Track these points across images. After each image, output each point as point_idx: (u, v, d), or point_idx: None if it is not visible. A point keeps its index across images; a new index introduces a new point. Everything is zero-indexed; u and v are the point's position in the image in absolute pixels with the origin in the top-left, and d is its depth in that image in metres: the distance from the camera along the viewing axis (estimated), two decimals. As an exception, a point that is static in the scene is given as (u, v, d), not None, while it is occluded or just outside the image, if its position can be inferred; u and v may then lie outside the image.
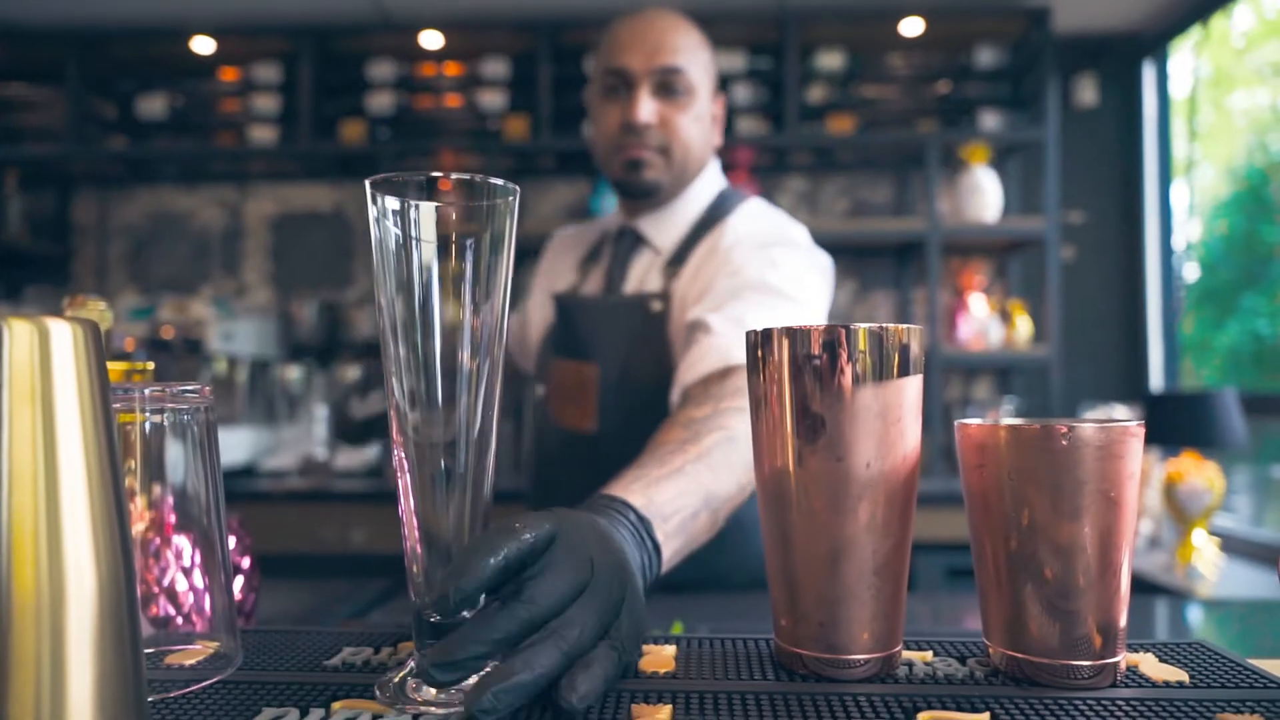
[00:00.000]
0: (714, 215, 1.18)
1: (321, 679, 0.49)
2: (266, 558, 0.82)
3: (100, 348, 0.39)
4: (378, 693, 0.45)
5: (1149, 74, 3.09)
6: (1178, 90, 3.10)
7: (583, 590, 0.45)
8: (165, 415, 0.48)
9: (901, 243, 2.91)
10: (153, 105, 3.07)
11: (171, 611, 0.62)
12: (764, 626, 1.03)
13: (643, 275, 1.17)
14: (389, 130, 3.03)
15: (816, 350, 0.49)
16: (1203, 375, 3.16)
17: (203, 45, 3.01)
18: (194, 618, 0.62)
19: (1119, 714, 0.44)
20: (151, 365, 0.77)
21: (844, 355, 0.48)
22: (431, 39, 2.95)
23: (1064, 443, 0.46)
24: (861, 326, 0.49)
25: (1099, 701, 0.46)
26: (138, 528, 0.59)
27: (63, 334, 0.38)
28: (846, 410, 0.48)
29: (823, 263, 1.13)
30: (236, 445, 2.79)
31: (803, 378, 0.49)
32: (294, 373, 3.00)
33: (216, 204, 3.29)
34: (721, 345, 0.93)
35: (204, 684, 0.48)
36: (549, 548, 0.45)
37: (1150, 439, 2.28)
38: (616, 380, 1.10)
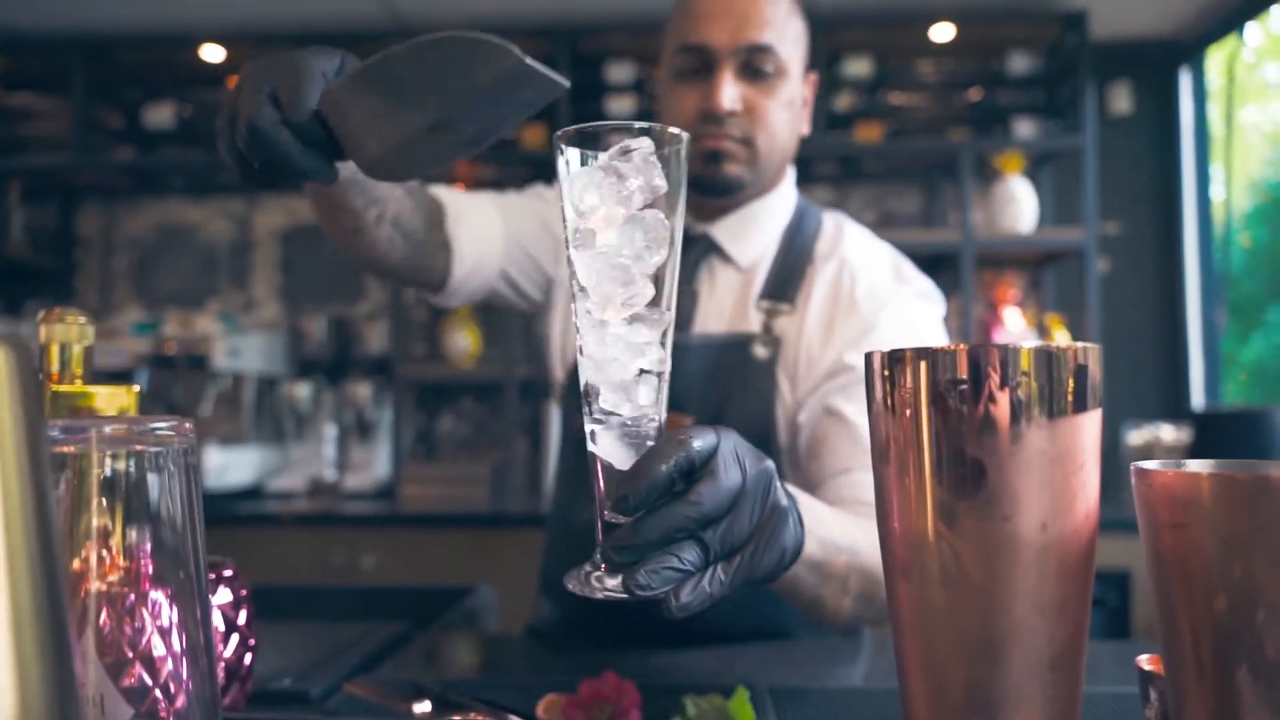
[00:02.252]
0: (805, 235, 1.03)
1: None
2: (271, 589, 0.72)
3: (32, 376, 0.29)
4: (568, 582, 0.52)
5: (1185, 81, 2.98)
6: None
7: (737, 499, 0.50)
8: (129, 460, 0.37)
9: (932, 254, 2.79)
10: (160, 115, 2.99)
11: (149, 681, 0.52)
12: (827, 678, 0.92)
13: (727, 302, 1.02)
14: (402, 140, 2.94)
15: (966, 377, 0.38)
16: (1228, 390, 3.06)
17: (212, 53, 2.93)
18: (172, 687, 0.52)
19: None
20: (137, 389, 0.67)
21: (1003, 384, 0.38)
22: (445, 46, 2.86)
23: (1307, 499, 0.35)
24: (1025, 346, 0.38)
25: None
26: (97, 585, 0.49)
27: (-25, 358, 0.27)
28: (1012, 456, 0.37)
29: (943, 308, 1.03)
30: (243, 465, 2.69)
31: (949, 413, 0.38)
32: (302, 390, 2.90)
33: (224, 216, 3.20)
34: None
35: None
36: (712, 457, 0.50)
37: (1198, 459, 2.16)
38: None
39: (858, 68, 2.83)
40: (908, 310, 0.97)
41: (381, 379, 2.95)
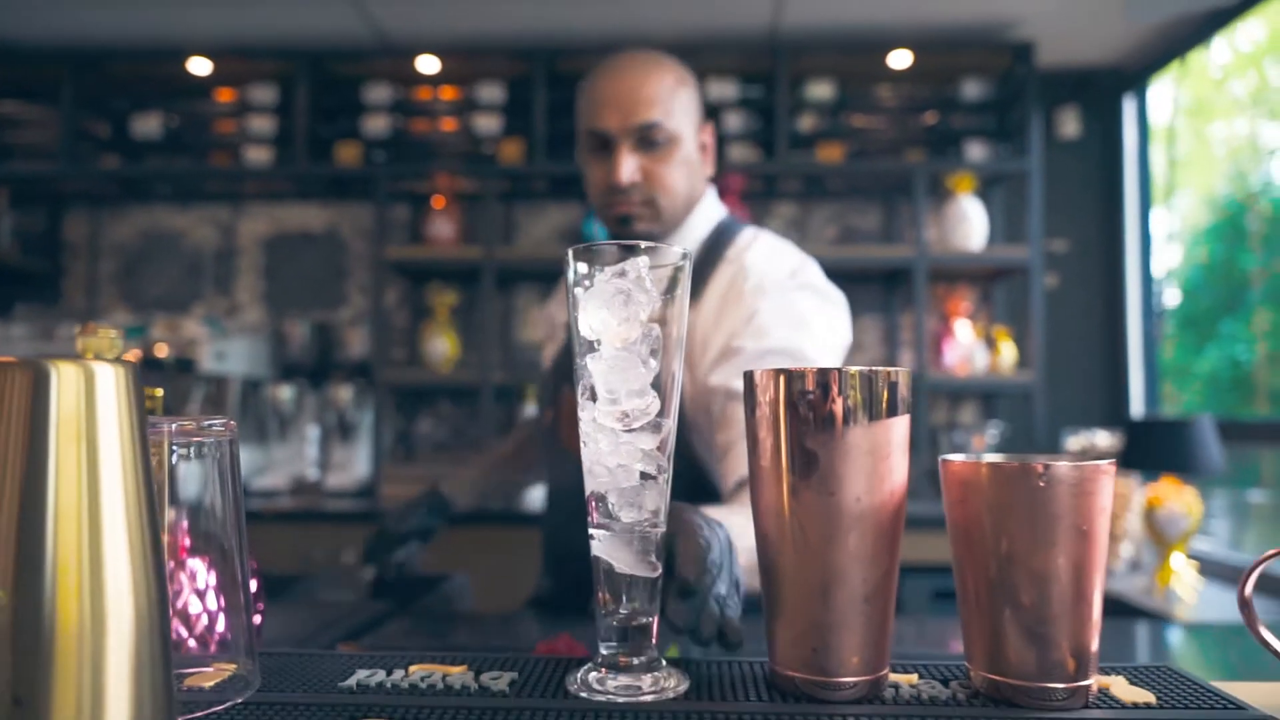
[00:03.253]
0: (718, 246, 1.17)
1: (338, 700, 0.51)
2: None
3: (139, 388, 0.42)
4: (571, 687, 0.55)
5: (1129, 107, 3.16)
6: (1158, 119, 3.17)
7: (706, 560, 0.61)
8: (190, 449, 0.50)
9: (889, 269, 2.96)
10: (147, 125, 3.09)
11: (184, 634, 0.64)
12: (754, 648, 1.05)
13: None
14: (384, 153, 3.06)
15: (811, 391, 0.52)
16: (1183, 400, 3.22)
17: (199, 66, 3.04)
18: (207, 640, 0.64)
19: (1092, 736, 0.47)
20: (160, 392, 0.80)
21: (836, 396, 0.51)
22: (428, 63, 2.99)
23: (1041, 482, 0.49)
24: (853, 369, 0.52)
25: (1073, 724, 0.48)
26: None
27: (107, 377, 0.40)
28: (838, 447, 0.51)
29: (842, 308, 1.14)
30: (227, 464, 2.79)
31: (797, 417, 0.52)
32: (285, 392, 3.01)
33: (209, 223, 3.30)
34: None
35: (226, 705, 0.51)
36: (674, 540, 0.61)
37: (1130, 464, 2.32)
38: None
39: (820, 91, 2.99)
40: (789, 299, 1.10)
41: (362, 382, 3.06)
